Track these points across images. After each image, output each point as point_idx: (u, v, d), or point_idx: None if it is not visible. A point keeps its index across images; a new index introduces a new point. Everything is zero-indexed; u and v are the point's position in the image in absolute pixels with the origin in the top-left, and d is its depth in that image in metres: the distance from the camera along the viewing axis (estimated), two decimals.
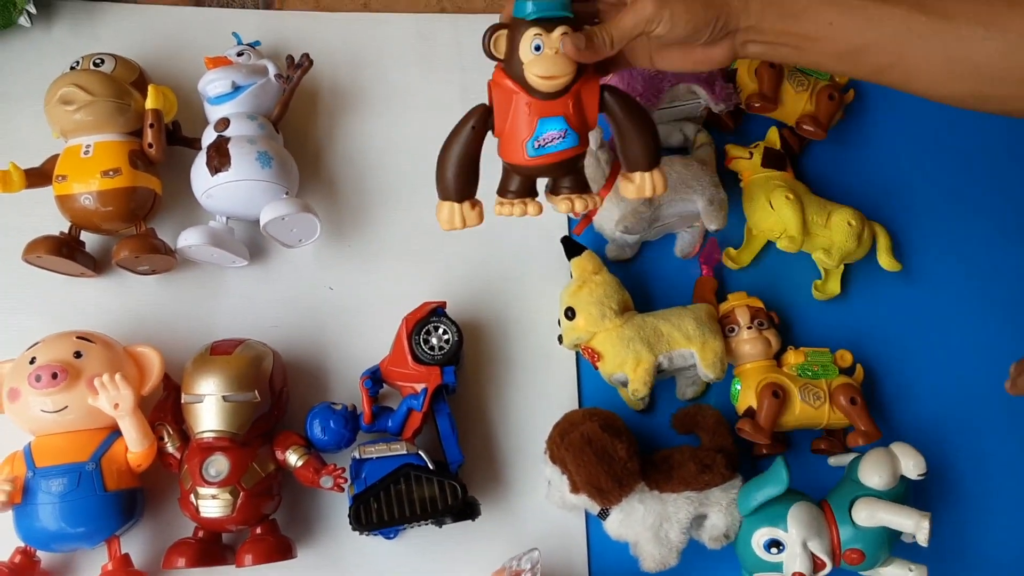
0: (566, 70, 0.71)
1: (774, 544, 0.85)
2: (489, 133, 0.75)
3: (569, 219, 1.04)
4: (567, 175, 0.79)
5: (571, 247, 0.97)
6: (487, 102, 0.75)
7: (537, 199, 0.79)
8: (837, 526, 0.87)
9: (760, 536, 0.86)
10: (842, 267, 1.03)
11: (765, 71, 1.04)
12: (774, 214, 1.00)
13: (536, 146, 0.74)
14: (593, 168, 0.94)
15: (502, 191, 0.79)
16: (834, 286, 1.04)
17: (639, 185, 0.79)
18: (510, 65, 0.73)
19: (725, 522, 0.88)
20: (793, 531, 0.85)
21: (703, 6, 0.70)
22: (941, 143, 1.13)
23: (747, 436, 0.93)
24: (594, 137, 0.94)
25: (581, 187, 0.80)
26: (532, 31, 0.70)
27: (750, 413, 0.95)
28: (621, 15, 0.71)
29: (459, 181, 0.76)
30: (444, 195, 0.76)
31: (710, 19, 0.71)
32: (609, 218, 0.96)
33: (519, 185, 0.78)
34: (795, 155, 1.08)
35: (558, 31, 0.70)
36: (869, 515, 0.85)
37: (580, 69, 0.73)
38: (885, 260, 1.04)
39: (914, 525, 0.84)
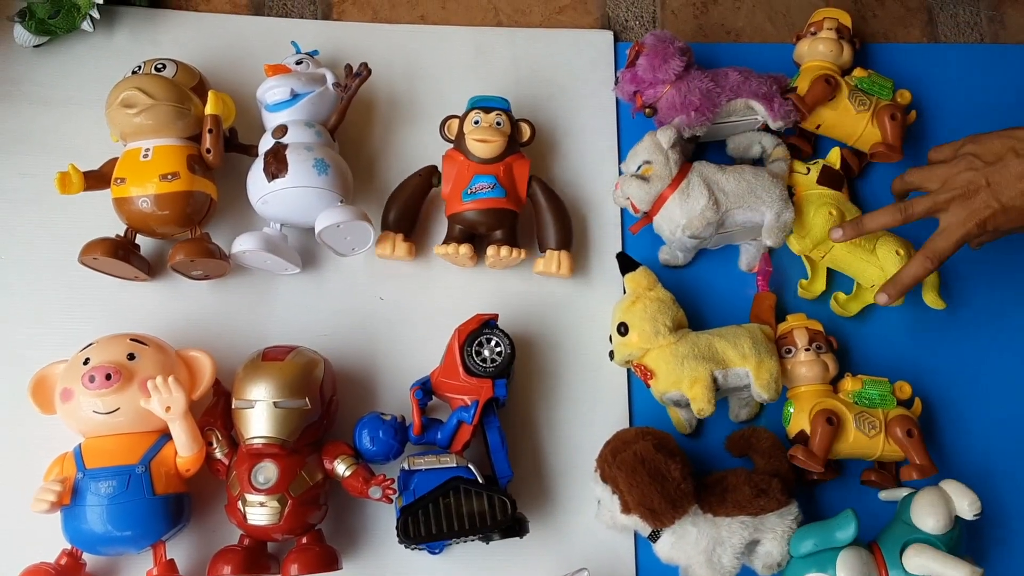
0: (497, 137, 0.95)
1: None
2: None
3: (623, 227, 1.03)
4: (499, 228, 0.97)
5: (626, 263, 0.96)
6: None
7: (470, 245, 0.95)
8: (887, 571, 0.83)
9: None
10: (867, 290, 1.01)
11: (818, 85, 1.02)
12: (811, 220, 0.98)
13: (469, 192, 0.95)
14: (661, 166, 0.94)
15: (445, 240, 0.97)
16: (855, 307, 1.02)
17: (547, 260, 0.97)
18: (458, 143, 0.97)
19: (780, 550, 0.86)
20: None
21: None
22: None
23: (800, 463, 0.90)
24: (666, 136, 0.94)
25: (512, 242, 0.97)
26: (473, 112, 0.96)
27: (801, 437, 0.92)
28: (938, 240, 0.88)
29: (398, 216, 0.98)
30: (384, 225, 0.98)
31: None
32: (670, 219, 0.95)
33: (458, 233, 0.97)
34: (853, 177, 1.06)
35: (493, 113, 0.96)
36: (920, 564, 0.81)
37: (511, 146, 0.96)
38: (930, 298, 1.01)
39: None
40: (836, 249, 0.98)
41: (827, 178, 1.01)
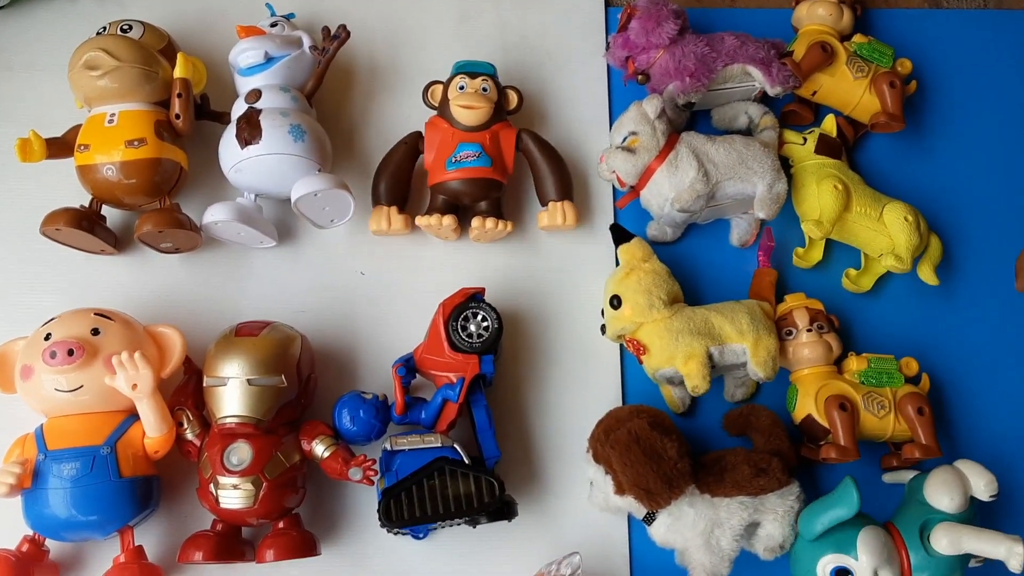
0: (484, 104, 0.91)
1: (842, 572, 0.80)
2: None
3: (615, 198, 1.00)
4: (484, 198, 0.93)
5: (619, 234, 0.93)
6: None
7: (454, 216, 0.92)
8: (907, 551, 0.81)
9: (827, 563, 0.81)
10: (881, 264, 0.98)
11: (814, 51, 0.98)
12: (817, 199, 0.95)
13: (454, 161, 0.91)
14: (648, 138, 0.92)
15: (427, 211, 0.94)
16: (868, 281, 0.99)
17: (551, 213, 0.94)
18: (442, 110, 0.94)
19: (781, 532, 0.83)
20: (864, 559, 0.79)
21: None
22: (1011, 142, 1.07)
23: (835, 461, 0.86)
24: (652, 105, 0.92)
25: (497, 214, 0.94)
26: (459, 78, 0.93)
27: (809, 422, 0.89)
28: None
29: (389, 188, 0.94)
30: (376, 200, 0.94)
31: None
32: (659, 194, 0.92)
33: (441, 204, 0.93)
34: (848, 147, 1.03)
35: (479, 79, 0.93)
36: (952, 542, 0.79)
37: (498, 113, 0.93)
38: (925, 272, 0.98)
39: (1006, 552, 0.76)
40: (842, 220, 0.95)
41: (825, 147, 0.99)
